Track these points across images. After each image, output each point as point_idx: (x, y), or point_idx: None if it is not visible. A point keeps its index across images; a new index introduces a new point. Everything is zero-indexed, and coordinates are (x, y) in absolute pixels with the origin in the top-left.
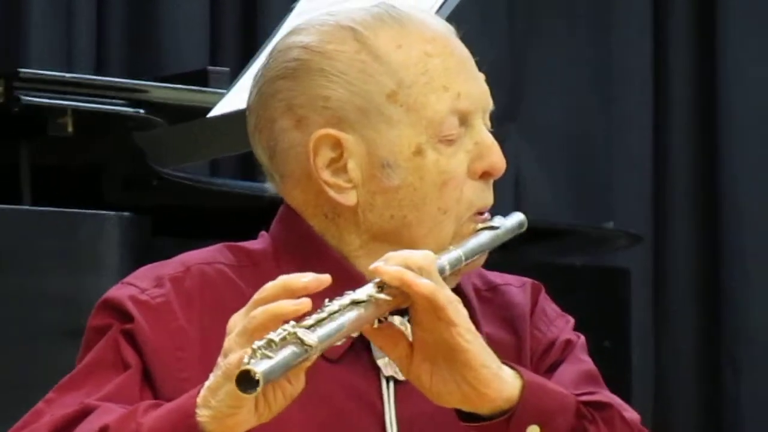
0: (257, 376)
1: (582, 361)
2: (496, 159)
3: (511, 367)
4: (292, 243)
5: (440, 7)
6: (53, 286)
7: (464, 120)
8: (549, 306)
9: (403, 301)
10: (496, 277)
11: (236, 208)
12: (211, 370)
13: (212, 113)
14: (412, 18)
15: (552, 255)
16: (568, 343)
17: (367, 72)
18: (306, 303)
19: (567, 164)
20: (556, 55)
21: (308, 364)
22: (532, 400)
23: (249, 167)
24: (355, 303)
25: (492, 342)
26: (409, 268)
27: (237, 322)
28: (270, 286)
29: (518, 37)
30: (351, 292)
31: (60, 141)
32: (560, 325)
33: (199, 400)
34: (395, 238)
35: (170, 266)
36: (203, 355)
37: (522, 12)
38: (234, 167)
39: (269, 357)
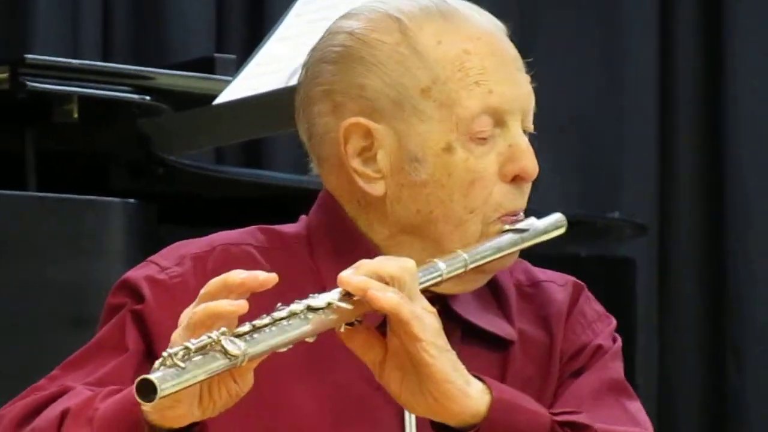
0: (156, 386)
1: (608, 369)
2: (528, 163)
3: (484, 382)
4: (328, 227)
5: None
6: (58, 273)
7: (499, 120)
8: (589, 307)
9: (373, 310)
10: (540, 273)
11: (241, 195)
12: None
13: (218, 100)
14: (460, 14)
15: (557, 245)
16: (598, 349)
17: (405, 65)
18: (242, 305)
19: (572, 154)
20: (562, 45)
21: (249, 366)
22: (499, 417)
23: (254, 155)
24: (312, 310)
25: (525, 339)
26: (380, 277)
27: (185, 315)
28: (213, 282)
29: (526, 26)
30: (315, 295)
31: (65, 127)
32: (598, 328)
33: None
34: (422, 232)
35: (197, 245)
36: None
37: (529, 2)
38: (239, 155)
39: (180, 366)
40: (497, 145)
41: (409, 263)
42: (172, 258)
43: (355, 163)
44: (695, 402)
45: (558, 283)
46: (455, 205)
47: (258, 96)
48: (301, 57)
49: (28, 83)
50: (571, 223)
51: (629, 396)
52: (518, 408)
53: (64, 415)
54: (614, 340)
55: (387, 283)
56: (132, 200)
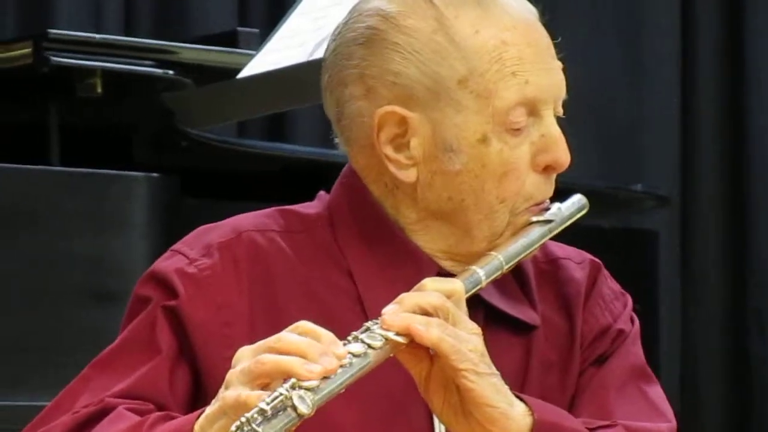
0: None
1: (630, 355)
2: (561, 154)
3: (527, 403)
4: (352, 208)
5: None
6: (81, 246)
7: (533, 110)
8: (606, 286)
9: None
10: (557, 248)
11: (264, 169)
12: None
13: (241, 74)
14: (497, 2)
15: (580, 217)
16: (620, 334)
17: (441, 54)
18: (317, 373)
19: (595, 126)
20: (585, 16)
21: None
22: None
23: (277, 129)
24: (371, 348)
25: (547, 324)
26: (423, 309)
27: (244, 355)
28: (289, 339)
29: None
30: (369, 325)
31: (89, 102)
32: (615, 309)
33: (197, 426)
34: (451, 219)
35: (221, 231)
36: (251, 331)
37: None
38: (262, 128)
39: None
40: (531, 135)
41: (457, 286)
42: (198, 248)
43: (388, 150)
44: (718, 370)
45: (575, 261)
46: (487, 195)
47: (281, 70)
48: (324, 31)
49: (52, 58)
50: (594, 196)
51: (650, 381)
52: (560, 428)
53: None
54: (632, 322)
55: (430, 314)
56: (155, 174)
